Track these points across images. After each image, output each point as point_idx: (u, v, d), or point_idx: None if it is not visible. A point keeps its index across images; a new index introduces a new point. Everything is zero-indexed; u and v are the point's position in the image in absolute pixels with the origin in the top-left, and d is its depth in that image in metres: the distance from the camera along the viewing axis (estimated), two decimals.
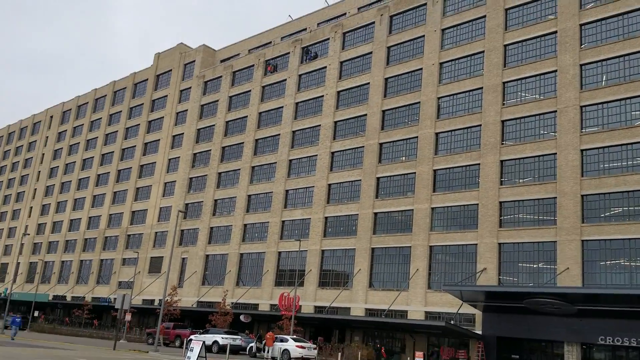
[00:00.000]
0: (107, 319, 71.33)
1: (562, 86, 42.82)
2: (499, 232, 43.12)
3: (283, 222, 58.89)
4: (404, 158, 50.99)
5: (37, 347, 35.41)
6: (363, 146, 54.09)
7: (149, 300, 69.16)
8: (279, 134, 62.54)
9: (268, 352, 38.55)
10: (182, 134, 75.11)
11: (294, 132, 61.38)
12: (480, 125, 46.62)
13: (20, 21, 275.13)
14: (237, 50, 77.13)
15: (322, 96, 59.73)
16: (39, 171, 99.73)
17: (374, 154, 52.79)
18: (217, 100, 71.71)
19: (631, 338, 33.81)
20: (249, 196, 63.43)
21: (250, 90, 68.00)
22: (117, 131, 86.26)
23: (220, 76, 72.62)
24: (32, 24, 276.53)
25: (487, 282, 41.97)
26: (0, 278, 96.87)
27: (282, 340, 38.53)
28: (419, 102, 51.15)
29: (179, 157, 74.27)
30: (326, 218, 55.02)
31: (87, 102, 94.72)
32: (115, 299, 48.64)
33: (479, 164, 45.79)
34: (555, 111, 42.81)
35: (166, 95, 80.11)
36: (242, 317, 50.51)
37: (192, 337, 45.09)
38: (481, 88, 47.49)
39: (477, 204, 44.90)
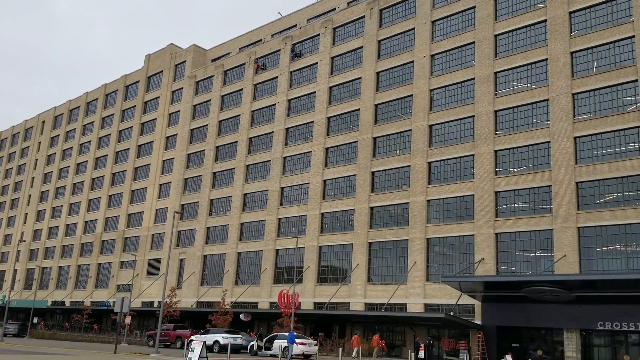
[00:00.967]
0: (107, 322, 71.32)
1: (554, 74, 42.90)
2: (495, 222, 43.24)
3: (279, 219, 58.89)
4: (398, 151, 51.03)
5: (37, 354, 35.33)
6: (357, 141, 54.10)
7: (149, 302, 69.12)
8: (273, 132, 62.48)
9: (355, 353, 39.43)
10: (176, 134, 74.94)
11: (287, 129, 61.32)
12: (473, 116, 46.69)
13: None
14: (228, 49, 76.94)
15: (314, 92, 59.67)
16: (33, 177, 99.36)
17: (368, 149, 52.81)
18: (209, 100, 71.55)
19: (630, 323, 34.02)
20: (245, 195, 63.39)
21: (242, 89, 67.86)
22: (110, 134, 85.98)
23: (212, 76, 72.44)
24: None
25: (485, 272, 42.12)
26: None
27: (282, 337, 38.54)
28: (412, 95, 51.17)
29: (173, 158, 74.12)
30: (322, 214, 55.04)
31: (79, 106, 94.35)
32: (114, 302, 48.53)
33: (473, 155, 45.87)
34: (548, 99, 42.91)
35: (158, 97, 79.88)
36: (242, 316, 50.53)
37: (192, 337, 45.07)
38: (473, 79, 47.53)
39: (473, 195, 45.01)
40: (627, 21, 40.53)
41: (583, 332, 36.69)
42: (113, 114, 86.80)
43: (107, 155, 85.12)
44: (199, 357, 26.15)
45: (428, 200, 47.55)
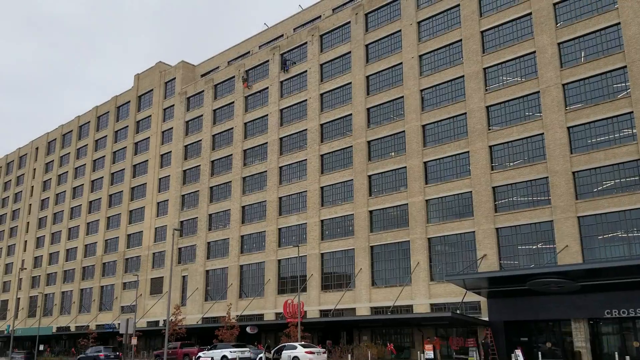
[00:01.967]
0: (113, 345, 70.85)
1: (543, 66, 43.04)
2: (495, 217, 43.23)
3: (279, 229, 58.77)
4: (393, 153, 51.05)
5: None
6: (351, 146, 54.11)
7: (154, 321, 68.81)
8: (267, 142, 62.46)
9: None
10: (170, 152, 74.87)
11: (281, 138, 61.32)
12: (465, 113, 46.76)
13: None
14: (216, 63, 77.04)
15: (306, 100, 59.73)
16: (30, 204, 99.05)
17: (363, 153, 52.82)
18: (202, 115, 71.56)
19: (637, 309, 34.00)
20: (243, 207, 63.28)
21: (233, 102, 67.90)
22: (104, 156, 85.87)
23: (202, 91, 72.49)
24: None
25: (489, 268, 42.07)
26: (1, 316, 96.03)
27: (290, 348, 38.37)
28: (403, 97, 51.26)
29: (169, 175, 74.00)
30: (322, 221, 54.96)
31: (72, 130, 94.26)
32: (119, 324, 48.39)
33: (468, 152, 45.91)
34: (538, 92, 43.02)
35: (150, 115, 79.85)
36: (248, 329, 50.30)
37: (200, 354, 44.98)
38: (462, 76, 47.65)
39: (471, 192, 45.01)
40: (612, 8, 40.71)
41: (591, 321, 36.63)
42: (106, 136, 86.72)
43: (102, 177, 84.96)
44: None
45: (427, 200, 47.53)
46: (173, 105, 76.50)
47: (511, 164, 43.58)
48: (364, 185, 52.03)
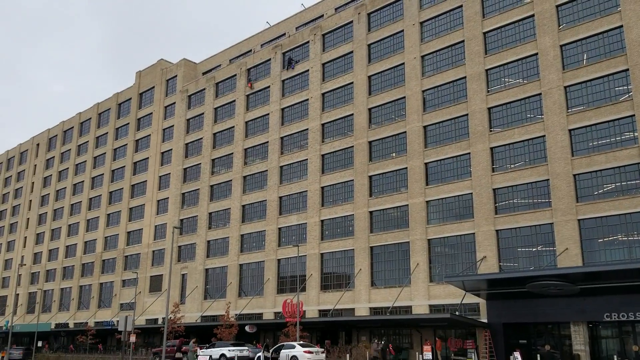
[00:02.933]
0: (111, 342, 70.83)
1: (545, 68, 42.96)
2: (495, 219, 43.15)
3: (279, 229, 58.72)
4: (394, 154, 50.97)
5: None
6: (352, 146, 54.03)
7: (152, 319, 68.79)
8: (268, 141, 62.40)
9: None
10: (171, 149, 74.83)
11: (282, 138, 61.25)
12: (467, 114, 46.68)
13: None
14: (218, 61, 76.94)
15: (307, 100, 59.65)
16: (30, 200, 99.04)
17: (364, 153, 52.75)
18: (203, 113, 71.49)
19: (636, 312, 33.95)
20: (243, 206, 63.23)
21: (234, 100, 67.83)
22: (105, 153, 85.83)
23: (204, 89, 72.42)
24: None
25: (488, 270, 42.00)
26: (0, 311, 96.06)
27: (289, 347, 38.33)
28: (404, 97, 51.18)
29: (169, 173, 73.96)
30: (322, 221, 54.90)
31: (73, 127, 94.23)
32: (118, 321, 48.33)
33: (469, 153, 45.83)
34: (540, 94, 42.94)
35: (151, 113, 79.79)
36: (247, 328, 50.25)
37: (199, 352, 44.86)
38: (464, 77, 47.56)
39: (471, 193, 44.94)
40: (615, 11, 40.62)
41: (590, 324, 36.57)
42: (107, 133, 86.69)
43: (103, 174, 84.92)
44: None
45: (427, 201, 47.46)
46: (174, 102, 76.43)
47: (512, 166, 43.50)
48: (364, 186, 51.96)
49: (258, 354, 41.60)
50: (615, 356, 34.73)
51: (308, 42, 61.42)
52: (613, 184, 38.74)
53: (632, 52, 39.04)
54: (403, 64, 52.10)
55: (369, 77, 54.62)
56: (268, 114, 63.40)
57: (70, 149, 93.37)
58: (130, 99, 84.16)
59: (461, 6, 49.15)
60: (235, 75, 68.71)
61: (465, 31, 48.26)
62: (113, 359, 56.34)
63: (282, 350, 38.65)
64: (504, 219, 42.80)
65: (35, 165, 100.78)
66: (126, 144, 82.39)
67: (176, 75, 77.95)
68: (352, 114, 54.89)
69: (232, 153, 66.05)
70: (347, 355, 37.38)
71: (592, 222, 38.88)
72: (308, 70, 60.51)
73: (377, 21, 55.66)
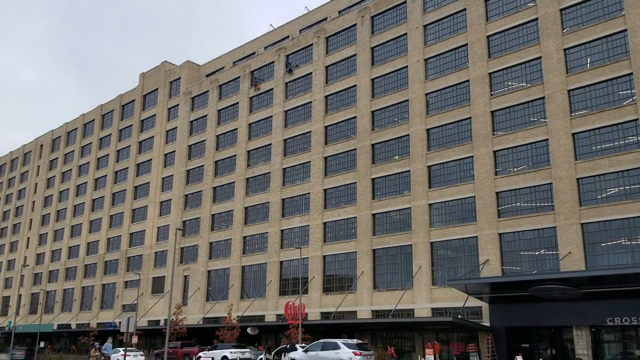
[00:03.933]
0: (114, 343, 70.81)
1: (548, 72, 42.93)
2: (498, 223, 43.10)
3: (282, 231, 58.73)
4: (397, 157, 50.97)
5: None
6: (355, 148, 54.05)
7: (155, 320, 68.82)
8: (271, 144, 62.45)
9: None
10: (174, 151, 74.93)
11: (285, 140, 61.31)
12: (470, 117, 46.66)
13: None
14: (222, 63, 77.09)
15: (311, 102, 59.70)
16: (34, 201, 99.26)
17: (367, 155, 52.76)
18: (206, 115, 71.61)
19: (639, 317, 33.78)
20: (246, 208, 63.27)
21: (238, 103, 67.92)
22: (108, 154, 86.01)
23: (207, 91, 72.54)
24: None
25: (491, 273, 41.94)
26: (2, 312, 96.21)
27: (291, 349, 38.27)
28: (408, 100, 51.19)
29: (172, 175, 74.05)
30: (325, 223, 54.89)
31: (76, 128, 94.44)
32: (120, 322, 48.41)
33: (472, 157, 45.81)
34: (544, 97, 42.91)
35: (154, 115, 79.94)
36: (249, 330, 50.24)
37: (200, 354, 44.96)
38: (468, 80, 47.56)
39: (474, 197, 44.90)
40: (619, 15, 40.60)
41: (592, 328, 36.44)
42: (110, 134, 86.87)
43: (106, 175, 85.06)
44: None
45: (430, 204, 47.43)
46: (178, 104, 76.57)
47: (515, 169, 43.46)
48: (367, 188, 51.96)
49: (260, 356, 41.68)
50: None
51: (311, 44, 61.49)
52: (616, 188, 38.67)
53: (636, 56, 39.00)
54: (406, 67, 52.13)
55: (372, 80, 54.64)
56: (271, 117, 63.46)
57: (73, 150, 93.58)
58: (134, 100, 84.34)
59: (465, 9, 49.17)
60: (238, 77, 68.81)
61: (469, 34, 48.28)
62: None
63: (284, 353, 38.53)
64: (507, 222, 42.74)
65: (39, 166, 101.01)
66: (129, 146, 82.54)
67: (180, 77, 78.10)
68: (355, 117, 54.91)
69: (235, 155, 66.11)
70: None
71: (595, 226, 38.81)
72: (311, 72, 60.58)
73: (381, 24, 55.71)
